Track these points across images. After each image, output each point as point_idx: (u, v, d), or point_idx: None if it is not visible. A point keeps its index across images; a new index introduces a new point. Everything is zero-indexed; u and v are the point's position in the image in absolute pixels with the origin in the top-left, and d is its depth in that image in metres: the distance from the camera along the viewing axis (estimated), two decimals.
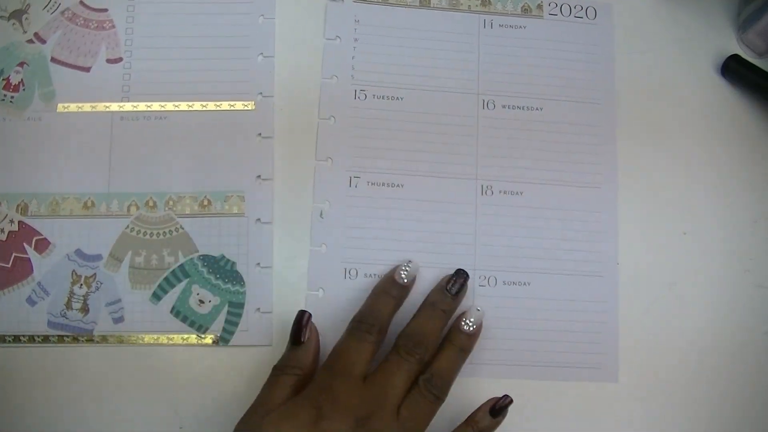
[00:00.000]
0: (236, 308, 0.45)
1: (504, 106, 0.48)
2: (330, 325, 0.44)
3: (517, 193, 0.47)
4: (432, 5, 0.50)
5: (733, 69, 0.49)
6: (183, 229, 0.46)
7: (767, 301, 0.47)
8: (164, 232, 0.45)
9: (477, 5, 0.50)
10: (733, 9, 0.51)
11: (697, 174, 0.48)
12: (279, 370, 0.40)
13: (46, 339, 0.44)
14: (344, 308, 0.45)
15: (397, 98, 0.48)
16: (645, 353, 0.46)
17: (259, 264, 0.45)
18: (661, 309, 0.47)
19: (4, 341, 0.44)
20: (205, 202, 0.46)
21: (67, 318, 0.44)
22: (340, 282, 0.45)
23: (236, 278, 0.45)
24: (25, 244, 0.45)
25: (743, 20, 0.50)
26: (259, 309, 0.45)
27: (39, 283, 0.44)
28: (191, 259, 0.45)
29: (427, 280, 0.45)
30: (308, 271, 0.45)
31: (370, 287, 0.45)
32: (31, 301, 0.44)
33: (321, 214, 0.46)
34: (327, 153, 0.47)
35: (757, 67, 0.49)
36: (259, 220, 0.46)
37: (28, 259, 0.45)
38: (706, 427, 0.46)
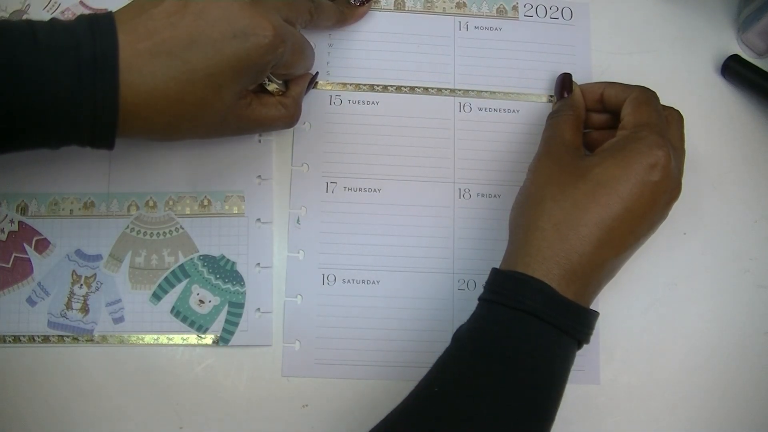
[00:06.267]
0: (236, 308, 0.45)
1: (480, 109, 0.48)
2: (309, 331, 0.45)
3: (495, 195, 0.47)
4: (407, 8, 0.49)
5: (733, 69, 0.49)
6: (183, 229, 0.45)
7: (767, 301, 0.47)
8: (164, 232, 0.45)
9: (452, 7, 0.50)
10: (733, 9, 0.51)
11: (697, 174, 0.48)
12: None
13: (46, 339, 0.44)
14: (323, 314, 0.45)
15: (373, 103, 0.48)
16: (645, 354, 0.46)
17: (259, 264, 0.45)
18: (661, 309, 0.47)
19: (4, 341, 0.44)
20: (205, 202, 0.46)
21: (67, 318, 0.44)
22: (318, 288, 0.45)
23: (236, 278, 0.45)
24: (25, 244, 0.45)
25: (743, 20, 0.50)
26: (259, 309, 0.45)
27: (39, 283, 0.44)
28: (191, 259, 0.45)
29: (406, 285, 0.46)
30: (286, 277, 0.45)
31: (348, 293, 0.45)
32: (31, 301, 0.44)
33: (298, 221, 0.46)
34: (303, 159, 0.47)
35: (757, 67, 0.49)
36: (259, 220, 0.46)
37: (28, 259, 0.45)
38: (707, 427, 0.46)
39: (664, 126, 0.41)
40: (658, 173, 0.38)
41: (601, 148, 0.40)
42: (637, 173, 0.38)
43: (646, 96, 0.42)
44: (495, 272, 0.39)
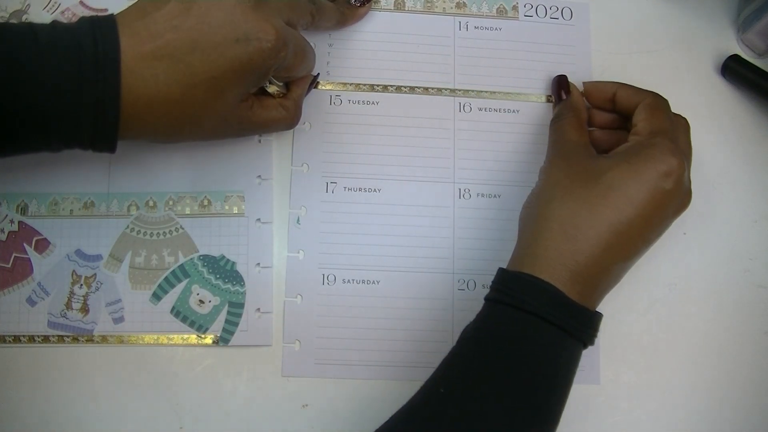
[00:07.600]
0: (236, 308, 0.45)
1: (480, 109, 0.48)
2: (309, 331, 0.45)
3: (495, 195, 0.47)
4: (407, 8, 0.49)
5: (733, 69, 0.49)
6: (183, 229, 0.45)
7: (767, 301, 0.47)
8: (164, 232, 0.45)
9: (452, 7, 0.50)
10: (733, 9, 0.51)
11: (697, 174, 0.48)
12: None
13: (46, 339, 0.44)
14: (323, 314, 0.45)
15: (373, 103, 0.48)
16: (645, 354, 0.46)
17: (259, 264, 0.45)
18: (661, 309, 0.47)
19: (4, 341, 0.44)
20: (205, 202, 0.46)
21: (67, 318, 0.44)
22: (318, 288, 0.45)
23: (236, 278, 0.45)
24: (25, 244, 0.45)
25: (743, 20, 0.50)
26: (259, 309, 0.45)
27: (39, 283, 0.44)
28: (191, 259, 0.45)
29: (406, 285, 0.45)
30: (286, 277, 0.45)
31: (348, 293, 0.45)
32: (31, 301, 0.44)
33: (298, 221, 0.46)
34: (303, 159, 0.47)
35: (757, 67, 0.49)
36: (259, 220, 0.46)
37: (28, 259, 0.45)
38: (707, 427, 0.46)
39: (677, 134, 0.41)
40: (672, 181, 0.38)
41: (615, 152, 0.40)
42: (650, 179, 0.37)
43: (660, 103, 0.42)
44: (501, 272, 0.39)
